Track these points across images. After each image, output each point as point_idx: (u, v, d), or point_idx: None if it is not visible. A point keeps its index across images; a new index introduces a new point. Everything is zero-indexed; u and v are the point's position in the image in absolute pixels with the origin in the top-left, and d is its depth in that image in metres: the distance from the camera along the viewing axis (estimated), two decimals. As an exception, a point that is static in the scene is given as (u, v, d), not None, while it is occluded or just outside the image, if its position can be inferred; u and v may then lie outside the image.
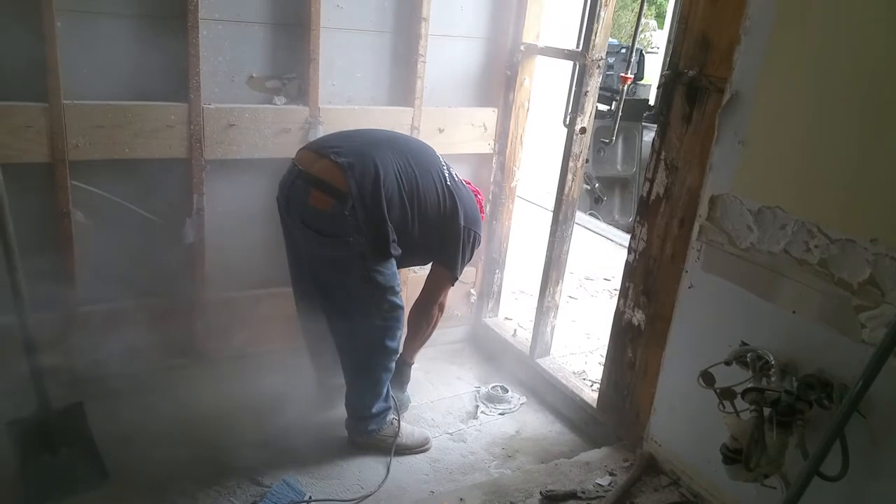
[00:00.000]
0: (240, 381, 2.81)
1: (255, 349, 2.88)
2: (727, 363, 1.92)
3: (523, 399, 3.07)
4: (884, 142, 1.69)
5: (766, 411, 1.76)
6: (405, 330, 2.64)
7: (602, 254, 5.02)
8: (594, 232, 5.47)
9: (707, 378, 1.91)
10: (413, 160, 2.39)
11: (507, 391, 3.08)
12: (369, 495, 2.37)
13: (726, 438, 1.86)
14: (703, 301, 2.20)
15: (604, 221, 6.08)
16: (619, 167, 6.73)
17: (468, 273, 3.40)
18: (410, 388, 2.92)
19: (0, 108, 2.22)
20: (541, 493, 2.27)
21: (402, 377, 2.83)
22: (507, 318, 3.58)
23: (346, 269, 2.33)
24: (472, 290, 3.45)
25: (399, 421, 2.63)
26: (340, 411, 2.63)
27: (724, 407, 1.89)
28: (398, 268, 2.54)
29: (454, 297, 3.39)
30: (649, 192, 2.41)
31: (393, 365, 2.54)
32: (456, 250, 2.52)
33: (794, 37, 1.88)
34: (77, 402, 2.32)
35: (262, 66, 2.67)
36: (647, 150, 5.28)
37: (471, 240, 2.55)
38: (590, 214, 6.21)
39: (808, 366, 1.82)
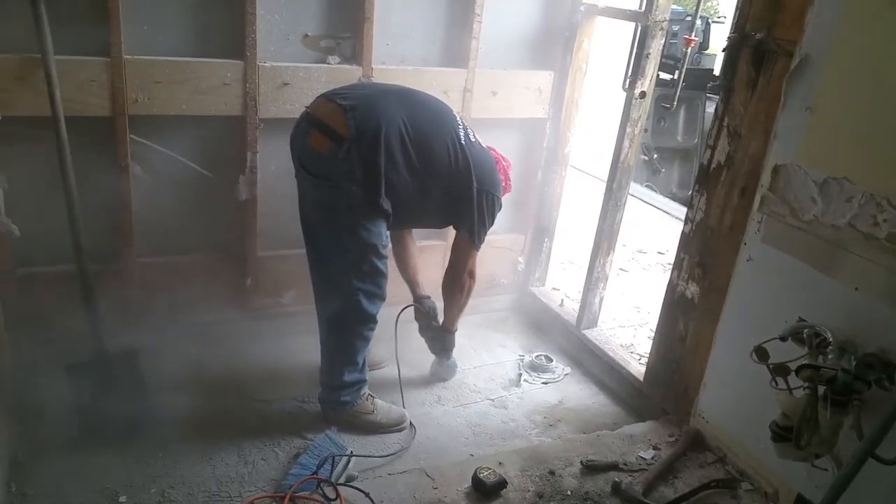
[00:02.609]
0: (288, 337, 2.87)
1: (304, 307, 2.91)
2: (783, 339, 1.85)
3: (567, 369, 3.05)
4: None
5: (821, 390, 1.70)
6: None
7: (657, 227, 4.90)
8: (650, 204, 5.33)
9: (761, 353, 1.85)
10: (424, 114, 2.32)
11: (552, 361, 3.05)
12: (405, 449, 2.43)
13: (777, 416, 1.80)
14: (760, 274, 2.12)
15: (661, 194, 5.91)
16: (679, 138, 6.50)
17: (516, 240, 3.37)
18: (454, 353, 2.92)
19: (68, 62, 2.27)
20: (581, 462, 2.25)
21: (444, 343, 2.82)
22: (554, 288, 3.54)
23: (332, 215, 2.26)
24: (520, 259, 3.41)
25: (374, 397, 2.54)
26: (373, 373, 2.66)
27: (776, 383, 1.82)
28: (407, 227, 2.47)
29: (500, 264, 3.37)
30: (710, 160, 2.32)
31: (370, 335, 2.43)
32: (471, 213, 2.42)
33: (873, -4, 1.77)
34: (132, 349, 2.40)
35: (317, 25, 2.66)
36: (709, 121, 5.08)
37: (489, 202, 2.44)
38: (646, 186, 6.04)
39: (868, 345, 1.74)
